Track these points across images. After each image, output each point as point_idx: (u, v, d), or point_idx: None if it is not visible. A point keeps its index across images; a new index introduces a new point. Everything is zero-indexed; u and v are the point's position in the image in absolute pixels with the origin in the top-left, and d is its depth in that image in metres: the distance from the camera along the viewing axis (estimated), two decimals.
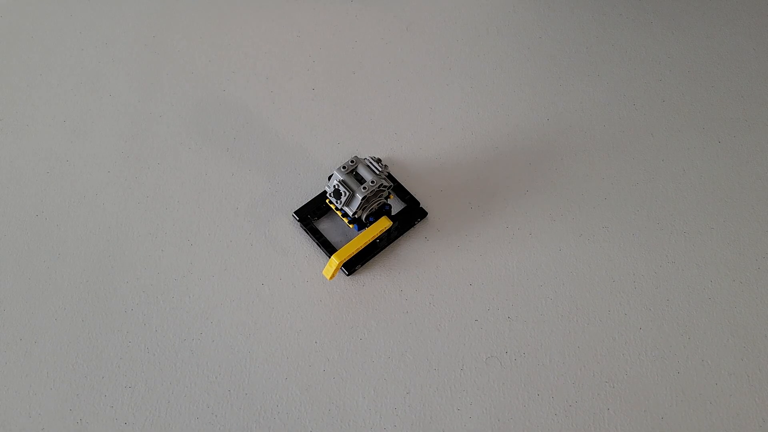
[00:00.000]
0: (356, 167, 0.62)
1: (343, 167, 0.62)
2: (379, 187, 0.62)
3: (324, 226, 0.67)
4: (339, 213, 0.64)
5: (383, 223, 0.63)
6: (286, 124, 0.74)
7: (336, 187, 0.62)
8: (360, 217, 0.63)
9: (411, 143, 0.73)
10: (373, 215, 0.64)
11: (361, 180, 0.62)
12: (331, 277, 0.62)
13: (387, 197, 0.64)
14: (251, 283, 0.63)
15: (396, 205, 0.67)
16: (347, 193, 0.61)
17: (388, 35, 0.82)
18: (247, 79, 0.78)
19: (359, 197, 0.61)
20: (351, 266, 0.63)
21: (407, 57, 0.80)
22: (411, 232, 0.66)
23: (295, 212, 0.67)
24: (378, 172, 0.61)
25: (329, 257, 0.62)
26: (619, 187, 0.70)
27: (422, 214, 0.67)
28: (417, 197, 0.68)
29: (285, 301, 0.62)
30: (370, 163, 0.62)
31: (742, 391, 0.58)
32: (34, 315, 0.61)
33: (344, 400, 0.57)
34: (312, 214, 0.66)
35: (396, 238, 0.66)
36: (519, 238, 0.66)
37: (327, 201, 0.65)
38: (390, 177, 0.67)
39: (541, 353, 0.59)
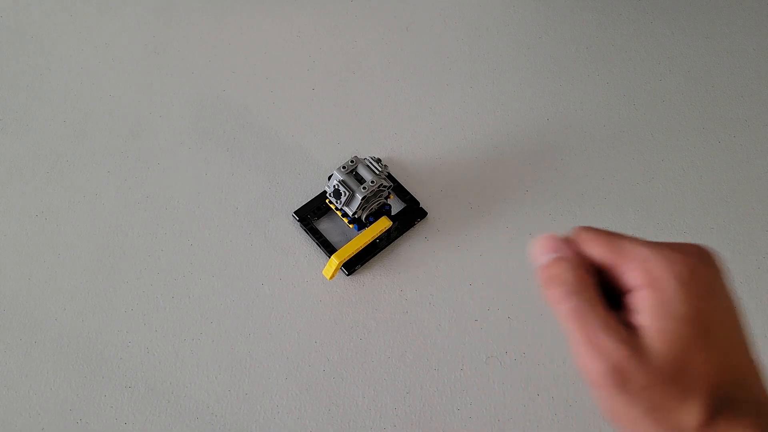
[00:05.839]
0: (356, 167, 0.62)
1: (343, 167, 0.62)
2: (379, 187, 0.62)
3: (324, 226, 0.66)
4: (339, 213, 0.64)
5: (383, 223, 0.63)
6: (286, 124, 0.74)
7: (336, 187, 0.62)
8: (360, 217, 0.63)
9: (411, 143, 0.73)
10: (373, 215, 0.64)
11: (361, 180, 0.62)
12: (331, 277, 0.62)
13: (387, 197, 0.64)
14: (251, 283, 0.63)
15: (396, 205, 0.67)
16: (347, 193, 0.61)
17: (388, 35, 0.82)
18: (247, 79, 0.78)
19: (359, 197, 0.61)
20: (351, 266, 0.63)
21: (407, 57, 0.80)
22: (411, 232, 0.66)
23: (295, 212, 0.67)
24: (378, 172, 0.61)
25: (329, 257, 0.62)
26: (619, 187, 0.70)
27: (422, 214, 0.67)
28: (417, 197, 0.68)
29: (285, 301, 0.62)
30: (370, 163, 0.62)
31: None
32: (34, 315, 0.61)
33: (344, 400, 0.57)
34: (312, 214, 0.66)
35: (396, 238, 0.66)
36: (519, 238, 0.66)
37: (327, 201, 0.65)
38: (390, 177, 0.67)
39: (541, 353, 0.59)
